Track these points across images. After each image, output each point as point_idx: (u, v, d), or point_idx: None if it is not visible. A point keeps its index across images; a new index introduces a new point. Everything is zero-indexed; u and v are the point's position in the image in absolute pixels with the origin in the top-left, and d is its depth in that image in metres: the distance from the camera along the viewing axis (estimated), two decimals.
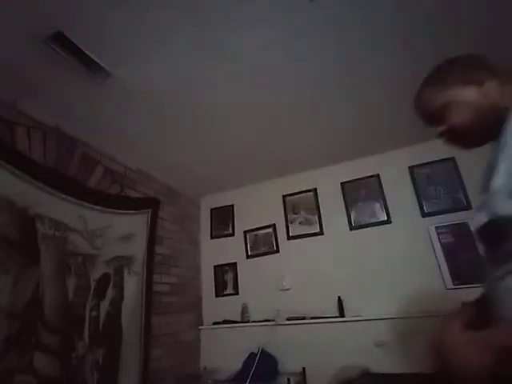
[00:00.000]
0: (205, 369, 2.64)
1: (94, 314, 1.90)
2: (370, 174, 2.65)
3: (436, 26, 1.51)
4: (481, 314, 0.68)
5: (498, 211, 0.60)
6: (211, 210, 3.26)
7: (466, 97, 0.73)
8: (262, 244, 2.92)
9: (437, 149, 2.44)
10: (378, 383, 2.04)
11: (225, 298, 2.92)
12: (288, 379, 2.13)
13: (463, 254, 2.16)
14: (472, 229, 0.60)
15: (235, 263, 2.97)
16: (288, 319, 2.51)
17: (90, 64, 1.53)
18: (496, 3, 1.41)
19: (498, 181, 0.61)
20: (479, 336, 0.58)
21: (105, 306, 1.98)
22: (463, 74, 0.75)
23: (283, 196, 2.96)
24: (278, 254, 2.83)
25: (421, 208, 2.38)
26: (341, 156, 2.71)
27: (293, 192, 2.92)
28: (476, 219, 0.65)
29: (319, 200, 2.80)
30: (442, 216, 2.29)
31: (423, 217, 2.36)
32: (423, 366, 1.76)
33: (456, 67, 0.78)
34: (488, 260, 0.68)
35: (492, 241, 0.65)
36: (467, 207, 2.25)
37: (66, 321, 1.72)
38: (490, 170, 0.65)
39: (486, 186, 0.66)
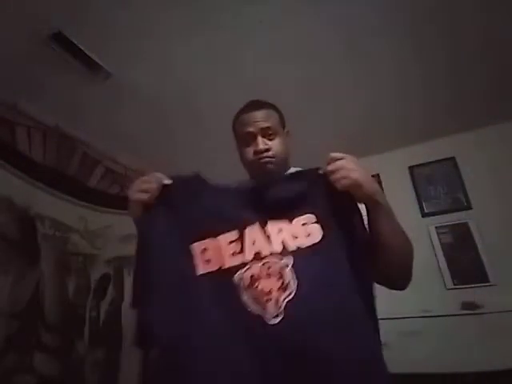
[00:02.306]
0: None
1: (94, 313, 1.90)
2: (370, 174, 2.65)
3: (438, 25, 1.50)
4: None
5: None
6: None
7: (285, 141, 0.91)
8: None
9: (437, 149, 2.44)
10: None
11: None
12: None
13: (463, 254, 2.16)
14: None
15: None
16: None
17: (90, 64, 1.53)
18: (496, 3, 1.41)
19: None
20: None
21: (105, 305, 1.98)
22: (284, 122, 0.95)
23: None
24: None
25: (421, 208, 2.38)
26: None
27: None
28: None
29: None
30: (442, 216, 2.29)
31: (423, 217, 2.36)
32: (423, 367, 1.75)
33: (283, 118, 0.96)
34: None
35: None
36: (467, 207, 2.25)
37: (66, 321, 1.72)
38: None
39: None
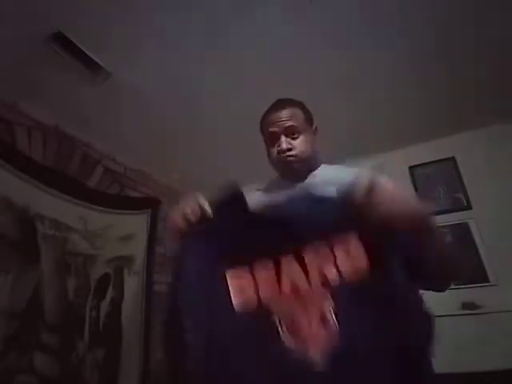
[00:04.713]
0: None
1: (94, 314, 1.90)
2: None
3: (437, 25, 1.50)
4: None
5: None
6: None
7: (311, 138, 0.91)
8: None
9: (437, 149, 2.44)
10: None
11: None
12: None
13: (463, 254, 2.15)
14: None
15: None
16: None
17: (90, 64, 1.53)
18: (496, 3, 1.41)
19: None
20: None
21: (105, 306, 1.98)
22: (312, 122, 0.95)
23: None
24: None
25: None
26: (340, 157, 2.71)
27: None
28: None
29: None
30: (442, 216, 2.29)
31: None
32: None
33: (310, 113, 0.97)
34: None
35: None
36: (467, 207, 2.25)
37: (66, 321, 1.72)
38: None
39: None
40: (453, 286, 2.12)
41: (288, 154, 0.86)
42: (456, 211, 2.27)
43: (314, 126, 0.94)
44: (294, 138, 0.87)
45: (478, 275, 2.06)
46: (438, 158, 2.44)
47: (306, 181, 0.89)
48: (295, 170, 0.88)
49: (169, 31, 1.43)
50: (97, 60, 1.52)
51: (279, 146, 0.86)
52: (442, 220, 2.28)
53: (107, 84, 1.67)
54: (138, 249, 2.31)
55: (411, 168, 2.51)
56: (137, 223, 2.36)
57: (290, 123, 0.87)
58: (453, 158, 2.39)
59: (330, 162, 0.99)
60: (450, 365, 1.77)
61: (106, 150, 2.25)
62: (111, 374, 1.92)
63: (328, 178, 0.86)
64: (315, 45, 1.56)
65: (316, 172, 0.92)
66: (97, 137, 2.12)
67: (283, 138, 0.86)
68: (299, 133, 0.87)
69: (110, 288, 2.04)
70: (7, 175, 1.58)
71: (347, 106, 2.05)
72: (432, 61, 1.71)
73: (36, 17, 1.30)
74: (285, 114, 0.88)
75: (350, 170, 0.90)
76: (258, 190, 1.01)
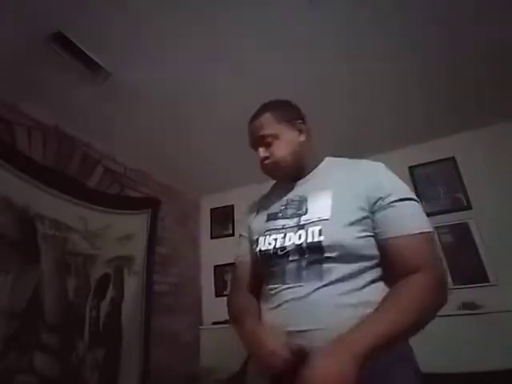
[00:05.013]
0: (204, 369, 2.63)
1: (94, 313, 1.90)
2: None
3: (437, 25, 1.50)
4: None
5: (335, 237, 0.70)
6: (211, 210, 3.26)
7: (291, 138, 0.87)
8: None
9: (437, 149, 2.44)
10: None
11: (225, 297, 2.90)
12: None
13: (463, 254, 2.16)
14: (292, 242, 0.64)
15: (235, 263, 2.96)
16: None
17: (90, 64, 1.53)
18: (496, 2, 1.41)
19: (325, 213, 0.74)
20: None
21: (105, 305, 1.98)
22: (293, 118, 0.89)
23: None
24: None
25: None
26: (340, 157, 2.70)
27: None
28: (293, 238, 0.75)
29: None
30: (442, 216, 2.29)
31: None
32: (423, 367, 1.75)
33: (290, 110, 0.91)
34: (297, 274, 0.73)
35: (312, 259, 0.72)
36: (467, 207, 2.25)
37: (66, 321, 1.72)
38: (303, 201, 0.81)
39: (297, 213, 0.80)
40: (453, 286, 2.13)
41: (265, 162, 0.87)
42: (456, 211, 2.27)
43: (297, 122, 0.89)
44: (269, 145, 0.86)
45: (477, 275, 2.06)
46: (437, 158, 2.44)
47: (301, 184, 0.88)
48: (277, 176, 0.90)
49: (169, 31, 1.43)
50: (97, 60, 1.52)
51: (258, 155, 0.88)
52: (441, 220, 2.28)
53: (107, 84, 1.67)
54: (137, 249, 2.31)
55: (411, 168, 2.51)
56: (137, 223, 2.36)
57: (259, 133, 0.87)
58: (453, 158, 2.39)
59: None
60: (450, 365, 1.78)
61: (105, 150, 2.25)
62: (111, 374, 1.92)
63: (325, 180, 0.84)
64: (315, 45, 1.56)
65: (314, 172, 0.90)
66: (97, 137, 2.12)
67: (260, 149, 0.87)
68: (273, 138, 0.86)
69: (110, 288, 2.05)
70: (7, 175, 1.58)
71: (347, 106, 2.05)
72: (432, 61, 1.71)
73: (36, 17, 1.30)
74: (255, 124, 0.89)
75: (355, 164, 0.88)
76: (263, 196, 1.01)
